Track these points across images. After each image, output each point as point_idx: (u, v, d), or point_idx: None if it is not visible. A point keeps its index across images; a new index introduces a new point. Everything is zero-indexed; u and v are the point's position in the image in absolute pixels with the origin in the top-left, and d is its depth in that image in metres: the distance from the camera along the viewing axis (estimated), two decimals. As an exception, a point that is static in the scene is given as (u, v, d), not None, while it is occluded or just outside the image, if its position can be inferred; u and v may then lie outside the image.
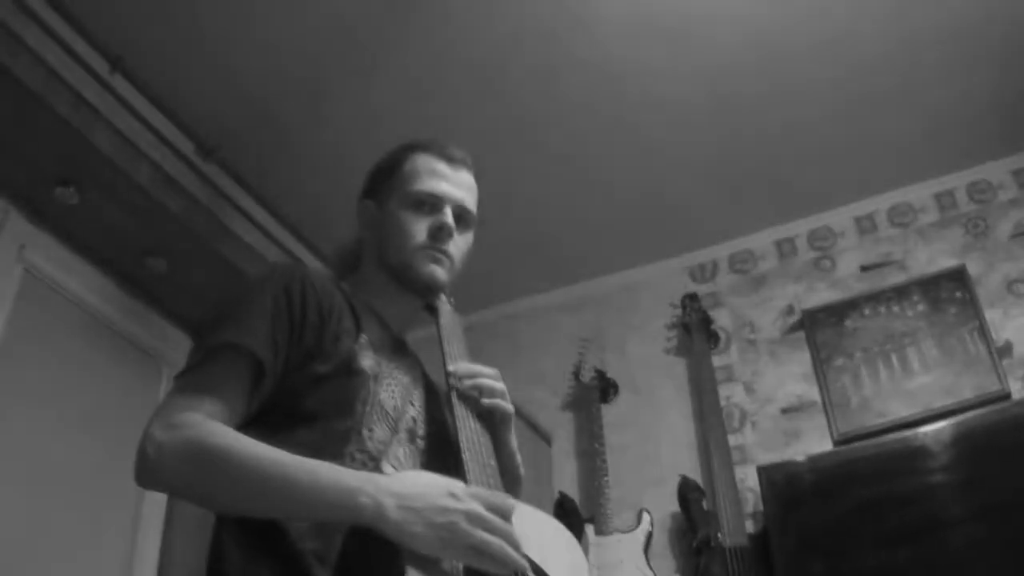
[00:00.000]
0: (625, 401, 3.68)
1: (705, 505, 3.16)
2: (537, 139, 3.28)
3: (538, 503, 2.97)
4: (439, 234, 1.41)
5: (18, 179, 2.78)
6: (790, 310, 3.60)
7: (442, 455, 1.31)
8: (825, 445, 3.23)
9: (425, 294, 1.45)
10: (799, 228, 3.75)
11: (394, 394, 1.30)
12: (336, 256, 1.58)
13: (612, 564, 3.13)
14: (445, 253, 1.41)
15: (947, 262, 3.39)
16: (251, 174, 3.34)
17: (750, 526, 3.11)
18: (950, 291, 3.30)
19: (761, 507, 3.08)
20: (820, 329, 3.46)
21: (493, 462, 1.24)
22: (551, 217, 3.64)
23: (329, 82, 3.03)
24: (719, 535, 3.01)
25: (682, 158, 3.39)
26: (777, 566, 2.83)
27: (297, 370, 1.23)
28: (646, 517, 3.25)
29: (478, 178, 1.54)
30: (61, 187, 2.80)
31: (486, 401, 1.33)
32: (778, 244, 3.77)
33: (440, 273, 1.41)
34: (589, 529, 3.23)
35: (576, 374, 3.72)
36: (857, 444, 3.06)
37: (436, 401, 1.41)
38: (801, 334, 3.52)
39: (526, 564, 1.08)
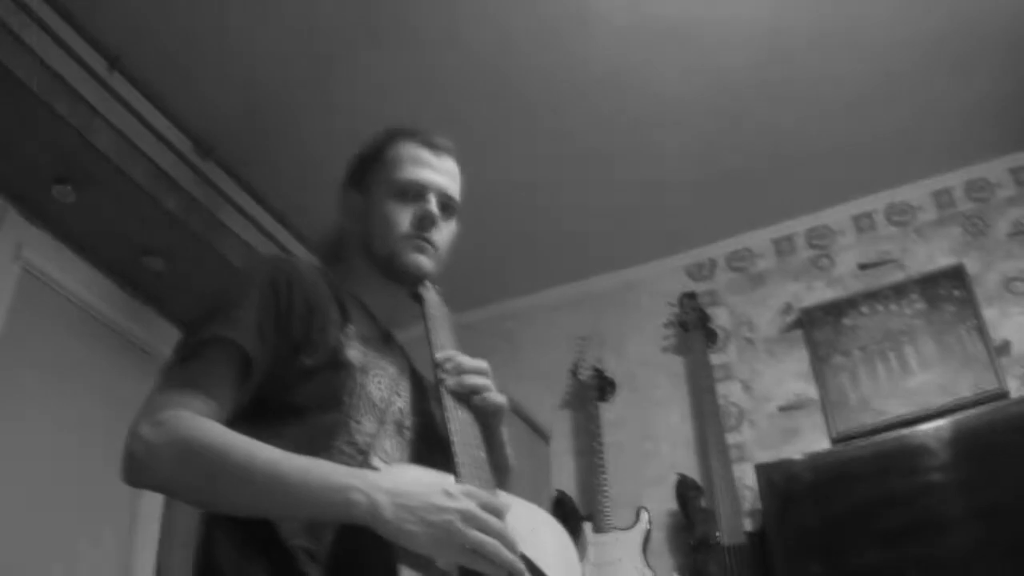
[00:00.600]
0: (623, 399, 3.69)
1: (703, 503, 3.16)
2: (536, 137, 3.28)
3: (536, 501, 2.97)
4: (423, 223, 1.39)
5: (16, 178, 2.78)
6: (788, 308, 3.60)
7: (430, 447, 1.30)
8: (823, 443, 3.24)
9: (410, 283, 1.43)
10: (797, 226, 3.75)
11: (381, 385, 1.29)
12: (320, 245, 1.57)
13: (610, 562, 3.13)
14: (430, 242, 1.40)
15: (945, 260, 3.39)
16: (249, 173, 3.34)
17: (748, 524, 3.12)
18: (948, 289, 3.30)
19: (759, 505, 3.08)
20: (818, 327, 3.46)
21: (483, 454, 1.22)
22: (549, 215, 3.64)
23: (328, 81, 3.03)
24: (717, 533, 3.01)
25: (680, 156, 3.38)
26: (775, 564, 2.84)
27: (284, 363, 1.22)
28: (644, 515, 3.26)
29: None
30: (59, 186, 2.80)
31: (476, 399, 1.30)
32: (776, 242, 3.77)
33: (425, 262, 1.40)
34: (587, 527, 3.23)
35: (574, 372, 3.72)
36: (855, 442, 3.06)
37: (423, 392, 1.40)
38: (799, 332, 3.52)
39: (522, 566, 1.07)
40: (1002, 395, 3.04)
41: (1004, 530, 2.55)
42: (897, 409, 3.16)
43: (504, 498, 1.15)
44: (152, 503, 3.11)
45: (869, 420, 3.19)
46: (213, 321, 1.21)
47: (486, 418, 1.32)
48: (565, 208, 3.61)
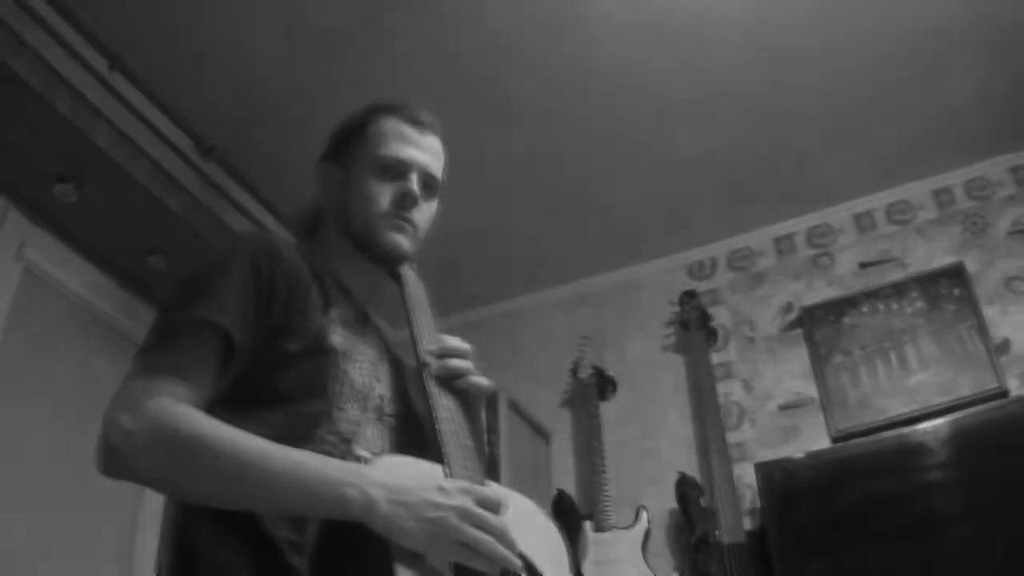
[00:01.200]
0: (624, 398, 3.69)
1: (703, 502, 3.17)
2: (536, 138, 3.28)
3: (537, 500, 2.98)
4: (404, 201, 1.35)
5: (18, 177, 2.78)
6: (789, 307, 3.60)
7: (411, 433, 1.27)
8: (823, 442, 3.24)
9: (388, 263, 1.38)
10: (798, 225, 3.75)
11: (363, 371, 1.25)
12: (296, 222, 1.51)
13: (610, 561, 3.14)
14: (409, 221, 1.36)
15: (946, 259, 3.39)
16: (250, 171, 3.34)
17: (748, 523, 3.12)
18: (948, 288, 3.30)
19: (759, 504, 3.08)
20: (819, 326, 3.46)
21: (469, 443, 1.19)
22: (550, 215, 3.64)
23: (328, 79, 3.03)
24: (717, 532, 3.02)
25: (680, 155, 3.39)
26: (775, 563, 2.84)
27: (265, 347, 1.17)
28: (644, 514, 3.26)
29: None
30: (60, 185, 2.80)
31: (460, 383, 1.26)
32: (777, 241, 3.77)
33: (404, 242, 1.36)
34: (588, 526, 3.24)
35: (575, 371, 3.72)
36: (855, 441, 3.07)
37: (402, 376, 1.35)
38: (800, 331, 3.52)
39: (518, 563, 1.06)
40: (1002, 394, 3.04)
41: (1003, 529, 2.55)
42: (897, 408, 3.17)
43: (498, 491, 1.12)
44: (153, 502, 3.11)
45: (869, 419, 3.19)
46: (192, 301, 1.15)
47: (469, 403, 1.28)
48: (566, 207, 3.62)
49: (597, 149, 3.35)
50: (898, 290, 3.39)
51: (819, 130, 3.31)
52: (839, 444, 3.16)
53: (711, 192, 3.58)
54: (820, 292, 3.57)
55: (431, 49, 2.95)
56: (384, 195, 1.35)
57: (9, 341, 2.70)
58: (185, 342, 1.13)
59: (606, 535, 3.20)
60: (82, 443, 2.99)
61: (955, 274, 3.32)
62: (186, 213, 3.05)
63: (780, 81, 3.11)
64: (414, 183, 1.37)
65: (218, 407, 1.12)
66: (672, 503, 3.25)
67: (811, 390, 3.38)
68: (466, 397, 1.27)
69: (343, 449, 1.15)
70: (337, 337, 1.23)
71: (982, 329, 3.18)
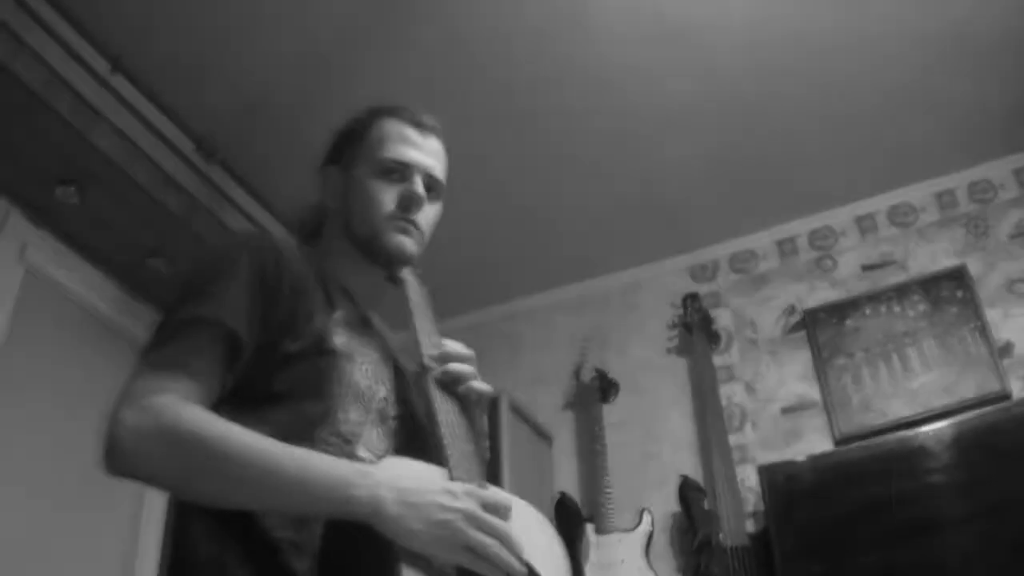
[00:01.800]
0: (626, 401, 3.68)
1: (706, 505, 3.16)
2: (538, 138, 3.28)
3: (538, 503, 2.97)
4: (408, 203, 1.34)
5: (19, 179, 2.78)
6: (791, 310, 3.60)
7: (411, 437, 1.27)
8: (826, 445, 3.23)
9: (392, 266, 1.37)
10: (800, 228, 3.75)
11: (367, 373, 1.25)
12: (297, 224, 1.50)
13: (613, 563, 3.13)
14: (414, 223, 1.35)
15: (948, 262, 3.39)
16: (252, 174, 3.34)
17: (750, 526, 3.12)
18: (951, 291, 3.30)
19: (762, 507, 3.08)
20: (821, 329, 3.46)
21: (471, 446, 1.19)
22: (551, 216, 3.64)
23: (329, 81, 3.03)
24: (719, 535, 3.01)
25: (683, 157, 3.38)
26: (777, 566, 2.83)
27: (268, 348, 1.16)
28: (647, 517, 3.25)
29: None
30: (62, 187, 2.80)
31: (461, 388, 1.26)
32: (779, 244, 3.77)
33: (409, 244, 1.35)
34: (590, 528, 3.23)
35: (577, 374, 3.72)
36: (858, 444, 3.06)
37: (404, 380, 1.35)
38: (802, 334, 3.52)
39: (523, 568, 1.05)
40: (1004, 396, 3.03)
41: (1006, 531, 2.55)
42: (900, 410, 3.16)
43: (506, 498, 1.12)
44: (155, 503, 3.11)
45: (872, 421, 3.19)
46: (196, 300, 1.14)
47: (470, 407, 1.28)
48: (567, 209, 3.61)
49: (599, 151, 3.35)
50: (900, 292, 3.38)
51: (821, 132, 3.30)
52: (841, 447, 3.15)
53: (713, 194, 3.57)
54: (822, 294, 3.57)
55: (432, 51, 2.95)
56: (388, 197, 1.34)
57: (11, 343, 2.70)
58: (189, 340, 1.12)
59: (608, 537, 3.19)
60: (83, 444, 2.99)
61: (957, 277, 3.31)
62: (187, 215, 3.05)
63: (781, 83, 3.10)
64: (418, 185, 1.36)
65: (222, 406, 1.11)
66: (674, 506, 3.24)
67: (813, 393, 3.38)
68: (467, 402, 1.27)
69: (345, 450, 1.15)
70: (340, 339, 1.23)
71: (984, 332, 3.18)
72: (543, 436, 3.66)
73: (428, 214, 1.39)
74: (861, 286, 3.51)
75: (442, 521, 1.02)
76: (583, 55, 2.98)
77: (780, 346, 3.55)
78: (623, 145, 3.33)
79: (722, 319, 3.69)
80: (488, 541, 1.03)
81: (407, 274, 1.40)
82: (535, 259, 3.89)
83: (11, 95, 2.49)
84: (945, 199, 3.53)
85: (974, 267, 3.33)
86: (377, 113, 1.43)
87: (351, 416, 1.19)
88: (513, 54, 2.98)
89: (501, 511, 1.07)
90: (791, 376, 3.46)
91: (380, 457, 1.14)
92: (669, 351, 3.75)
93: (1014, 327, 3.19)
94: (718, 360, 3.58)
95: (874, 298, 3.42)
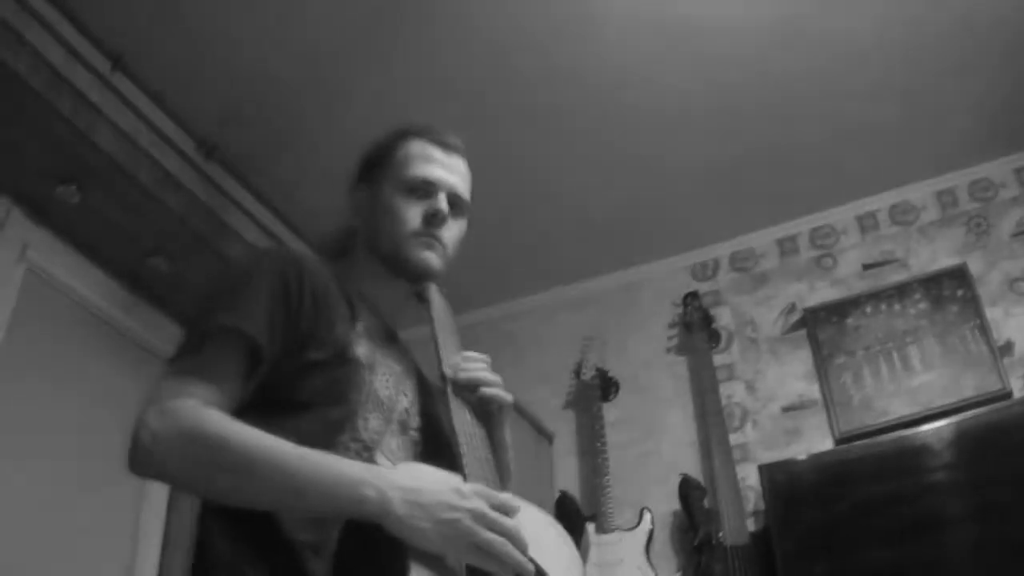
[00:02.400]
0: (626, 400, 3.68)
1: (706, 504, 3.16)
2: (540, 138, 3.28)
3: (539, 502, 2.97)
4: (433, 220, 1.38)
5: (20, 178, 2.78)
6: (792, 308, 3.60)
7: (434, 447, 1.30)
8: (826, 444, 3.24)
9: (417, 281, 1.42)
10: (801, 226, 3.75)
11: (388, 384, 1.29)
12: (325, 243, 1.55)
13: (613, 562, 3.13)
14: (439, 239, 1.39)
15: (948, 260, 3.39)
16: (252, 172, 3.34)
17: (751, 525, 3.12)
18: (951, 289, 3.30)
19: (762, 506, 3.08)
20: (821, 327, 3.46)
21: (489, 455, 1.23)
22: (552, 215, 3.64)
23: (330, 81, 3.03)
24: (720, 534, 3.01)
25: (683, 156, 3.38)
26: (778, 565, 2.83)
27: (291, 356, 1.20)
28: (647, 515, 3.25)
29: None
30: (62, 186, 2.80)
31: (484, 391, 1.31)
32: (780, 242, 3.77)
33: (434, 259, 1.38)
34: (590, 527, 3.23)
35: (577, 373, 3.72)
36: (858, 443, 3.06)
37: (428, 392, 1.39)
38: (803, 332, 3.52)
39: (531, 566, 1.07)
40: (1005, 395, 3.04)
41: (1007, 530, 2.55)
42: (900, 409, 3.16)
43: (515, 500, 1.15)
44: (155, 502, 3.11)
45: (872, 420, 3.19)
46: (221, 310, 1.19)
47: (490, 418, 1.33)
48: (568, 208, 3.61)
49: (599, 150, 3.35)
50: (901, 291, 3.38)
51: (821, 131, 3.30)
52: (842, 446, 3.15)
53: (713, 193, 3.57)
54: (823, 293, 3.57)
55: (432, 52, 2.95)
56: (413, 214, 1.38)
57: (11, 342, 2.70)
58: (213, 348, 1.17)
59: (609, 536, 3.20)
60: (83, 443, 3.00)
61: (958, 275, 3.31)
62: (188, 214, 3.05)
63: (782, 82, 3.10)
64: (442, 202, 1.40)
65: (245, 413, 1.15)
66: (675, 504, 3.24)
67: (814, 391, 3.38)
68: (488, 412, 1.32)
69: (365, 457, 1.18)
70: (362, 349, 1.27)
71: (985, 330, 3.18)
72: (544, 435, 3.66)
73: (452, 230, 1.42)
74: (862, 285, 3.51)
75: (450, 520, 1.04)
76: (583, 56, 2.98)
77: (780, 345, 3.55)
78: (623, 144, 3.32)
79: (722, 318, 3.69)
80: (496, 539, 1.05)
81: (433, 292, 1.45)
82: (535, 258, 3.89)
83: (12, 94, 2.49)
84: (946, 198, 3.53)
85: (975, 266, 3.33)
86: (403, 133, 1.48)
87: (371, 424, 1.23)
88: (513, 55, 2.97)
89: (510, 511, 1.09)
90: (791, 375, 3.46)
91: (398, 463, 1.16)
92: (669, 350, 3.75)
93: (1015, 326, 3.19)
94: (718, 359, 3.58)
95: (875, 297, 3.42)
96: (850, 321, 3.41)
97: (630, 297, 3.94)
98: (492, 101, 3.14)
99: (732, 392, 3.52)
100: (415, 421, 1.32)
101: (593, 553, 3.16)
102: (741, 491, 3.17)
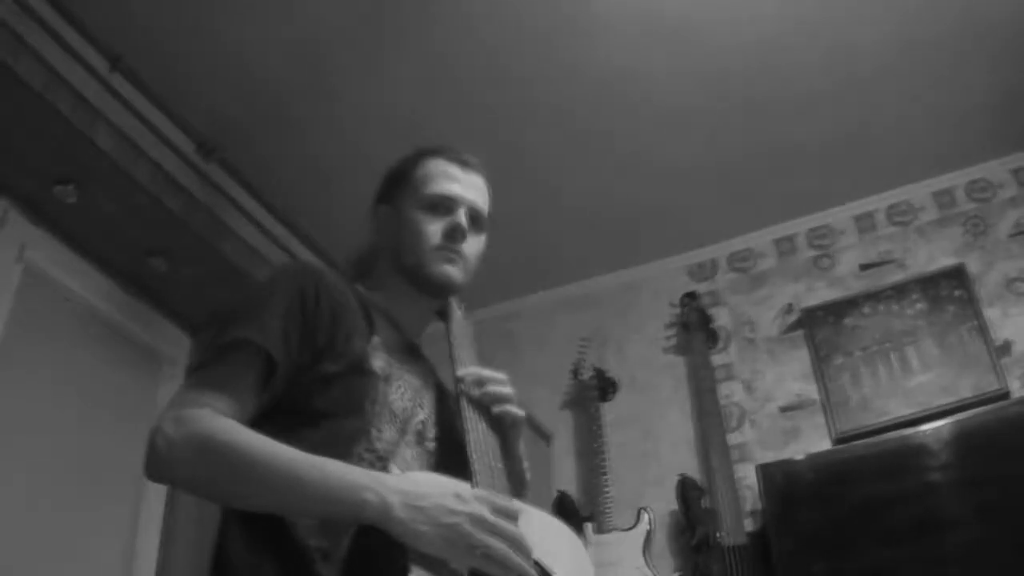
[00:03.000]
0: (624, 400, 3.69)
1: (704, 504, 3.16)
2: (537, 138, 3.28)
3: (537, 502, 2.97)
4: (454, 235, 1.42)
5: (18, 178, 2.78)
6: (789, 308, 3.60)
7: (452, 459, 1.31)
8: (824, 444, 3.24)
9: (440, 295, 1.46)
10: (798, 227, 3.75)
11: (404, 396, 1.31)
12: (348, 262, 1.59)
13: (611, 562, 3.13)
14: (459, 254, 1.43)
15: (946, 261, 3.39)
16: (251, 173, 3.34)
17: (749, 525, 3.12)
18: (949, 290, 3.30)
19: (760, 506, 3.08)
20: (819, 328, 3.46)
21: (500, 465, 1.25)
22: (551, 216, 3.64)
23: (330, 81, 3.03)
24: (718, 534, 3.01)
25: (681, 156, 3.39)
26: (776, 565, 2.83)
27: (308, 369, 1.24)
28: (645, 516, 3.26)
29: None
30: (61, 186, 2.80)
31: (496, 409, 1.34)
32: (777, 243, 3.77)
33: (455, 273, 1.42)
34: (588, 527, 3.24)
35: (575, 373, 3.72)
36: (856, 443, 3.07)
37: (446, 405, 1.42)
38: (800, 333, 3.52)
39: (533, 572, 1.08)
40: (1003, 395, 3.04)
41: (1005, 530, 2.55)
42: (898, 409, 3.16)
43: (517, 504, 1.16)
44: (154, 502, 3.11)
45: (870, 420, 3.19)
46: (239, 323, 1.23)
47: (504, 431, 1.36)
48: (566, 208, 3.61)
49: (598, 150, 3.35)
50: (899, 291, 3.39)
51: (819, 131, 3.31)
52: (840, 446, 3.15)
53: (711, 193, 3.57)
54: (821, 293, 3.57)
55: (432, 52, 2.95)
56: (435, 230, 1.42)
57: (9, 342, 2.70)
58: (229, 360, 1.21)
59: (607, 536, 3.20)
60: (82, 443, 3.00)
61: (956, 276, 3.32)
62: (186, 214, 3.05)
63: (780, 82, 3.11)
64: (462, 217, 1.44)
65: (262, 425, 1.18)
66: (673, 504, 3.24)
67: (812, 392, 3.38)
68: (502, 426, 1.35)
69: (379, 467, 1.20)
70: (379, 362, 1.30)
71: (983, 331, 3.18)
72: (542, 435, 3.66)
73: (472, 245, 1.47)
74: (859, 285, 3.51)
75: (450, 524, 1.05)
76: (583, 55, 2.99)
77: (778, 345, 3.55)
78: (622, 144, 3.33)
79: (720, 318, 3.69)
80: (496, 544, 1.06)
81: (452, 308, 1.49)
82: (534, 258, 3.89)
83: (11, 94, 2.49)
84: (944, 198, 3.54)
85: (973, 266, 3.33)
86: (423, 153, 1.52)
87: (385, 435, 1.25)
88: (514, 54, 2.98)
89: (512, 515, 1.10)
90: (789, 375, 3.47)
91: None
92: (667, 350, 3.75)
93: (1013, 326, 3.20)
94: (716, 359, 3.59)
95: (873, 297, 3.42)
96: (848, 321, 3.42)
97: (629, 297, 3.94)
98: (492, 101, 3.14)
99: (730, 392, 3.53)
100: (432, 432, 1.35)
101: (591, 553, 3.16)
102: (739, 491, 3.18)
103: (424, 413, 1.35)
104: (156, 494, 3.11)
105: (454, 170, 1.48)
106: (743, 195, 3.61)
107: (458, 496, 1.08)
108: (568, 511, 3.32)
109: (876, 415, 3.20)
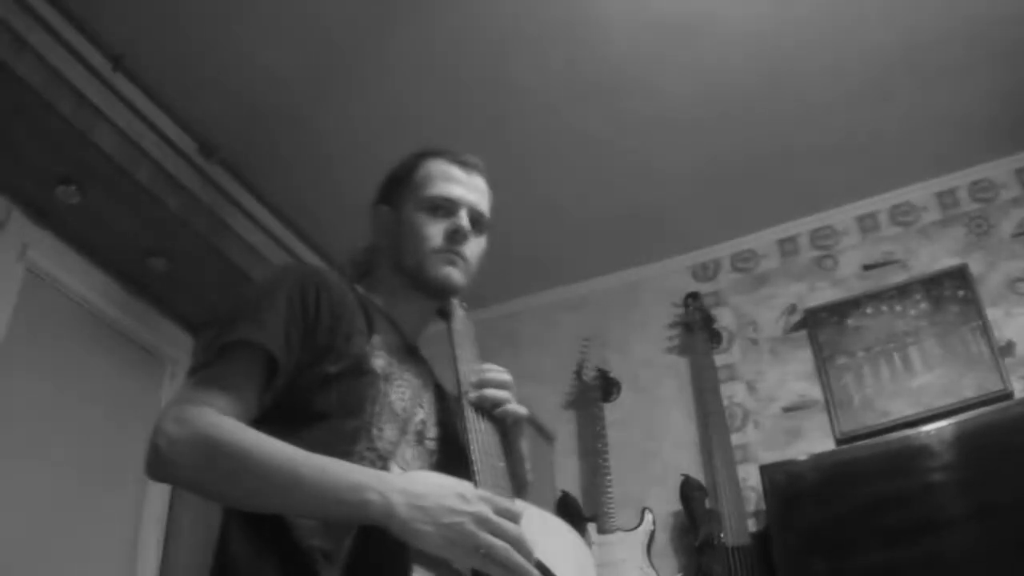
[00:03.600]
0: (627, 400, 3.68)
1: (707, 504, 3.16)
2: (538, 138, 3.28)
3: (540, 502, 2.97)
4: (455, 236, 1.42)
5: (20, 179, 2.78)
6: (792, 309, 3.60)
7: (452, 458, 1.31)
8: (827, 444, 3.23)
9: (440, 296, 1.46)
10: (801, 227, 3.75)
11: (404, 395, 1.31)
12: (349, 263, 1.59)
13: (614, 563, 3.13)
14: (461, 255, 1.43)
15: (949, 261, 3.39)
16: (252, 173, 3.34)
17: (752, 525, 3.11)
18: (952, 290, 3.30)
19: (763, 506, 3.08)
20: (822, 328, 3.45)
21: (502, 464, 1.25)
22: (553, 216, 3.64)
23: (330, 81, 3.03)
24: (721, 534, 3.01)
25: (684, 157, 3.38)
26: (779, 565, 2.83)
27: (308, 369, 1.24)
28: (648, 516, 3.25)
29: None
30: (63, 186, 2.80)
31: (497, 412, 1.34)
32: (780, 243, 3.77)
33: (456, 275, 1.43)
34: (591, 528, 3.23)
35: (578, 373, 3.72)
36: (859, 443, 3.06)
37: (446, 405, 1.42)
38: (803, 333, 3.51)
39: (535, 572, 1.08)
40: (1006, 396, 3.03)
41: (1007, 530, 2.55)
42: (901, 410, 3.16)
43: (519, 505, 1.16)
44: (157, 502, 3.11)
45: (873, 421, 3.19)
46: (240, 323, 1.23)
47: (506, 430, 1.36)
48: (568, 208, 3.61)
49: (600, 150, 3.34)
50: (902, 292, 3.38)
51: (822, 131, 3.30)
52: (843, 446, 3.15)
53: (714, 194, 3.57)
54: (823, 294, 3.57)
55: (434, 53, 2.95)
56: (436, 231, 1.43)
57: (11, 341, 2.70)
58: (231, 360, 1.21)
59: (610, 537, 3.20)
60: (84, 443, 3.00)
61: (959, 276, 3.31)
62: (188, 215, 3.05)
63: (783, 82, 3.10)
64: (463, 219, 1.44)
65: (263, 425, 1.18)
66: (676, 505, 3.24)
67: (815, 392, 3.38)
68: (504, 425, 1.35)
69: (380, 467, 1.20)
70: (379, 361, 1.30)
71: (986, 331, 3.18)
72: (544, 435, 3.66)
73: (474, 247, 1.47)
74: (862, 285, 3.51)
75: (452, 524, 1.05)
76: (583, 55, 2.98)
77: (781, 345, 3.55)
78: (625, 144, 3.32)
79: (723, 318, 3.69)
80: (498, 544, 1.06)
81: (454, 308, 1.50)
82: (536, 258, 3.89)
83: (12, 94, 2.49)
84: (947, 198, 3.53)
85: (975, 266, 3.33)
86: (423, 155, 1.52)
87: (386, 434, 1.25)
88: (516, 53, 2.97)
89: (514, 516, 1.10)
90: (792, 375, 3.46)
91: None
92: (670, 350, 3.74)
93: (1015, 326, 3.19)
94: (719, 359, 3.58)
95: (875, 297, 3.42)
96: (851, 322, 3.41)
97: (631, 297, 3.94)
98: (493, 102, 3.14)
99: (733, 392, 3.52)
100: (432, 431, 1.35)
101: (594, 553, 3.15)
102: (742, 491, 3.17)
103: (424, 412, 1.35)
104: (159, 494, 3.11)
105: (456, 172, 1.48)
106: (746, 195, 3.60)
107: (461, 496, 1.08)
108: (571, 511, 3.32)
109: (879, 415, 3.19)
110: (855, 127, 3.29)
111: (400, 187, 1.49)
